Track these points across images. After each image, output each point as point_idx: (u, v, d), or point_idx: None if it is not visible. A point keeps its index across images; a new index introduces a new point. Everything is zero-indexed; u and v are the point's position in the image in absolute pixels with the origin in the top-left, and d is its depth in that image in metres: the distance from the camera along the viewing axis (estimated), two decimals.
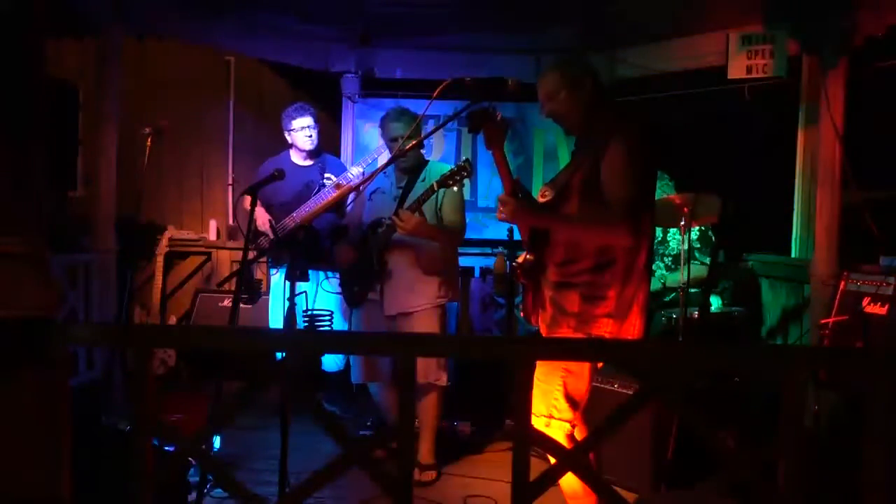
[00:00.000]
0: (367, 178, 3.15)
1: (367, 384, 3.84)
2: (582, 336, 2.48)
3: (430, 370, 3.56)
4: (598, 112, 2.58)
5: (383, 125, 3.68)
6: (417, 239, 3.53)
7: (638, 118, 2.59)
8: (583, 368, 2.49)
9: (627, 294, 2.49)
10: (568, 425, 2.50)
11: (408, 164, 3.66)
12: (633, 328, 2.53)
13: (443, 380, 3.60)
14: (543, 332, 2.64)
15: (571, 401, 2.49)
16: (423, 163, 3.75)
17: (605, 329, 2.48)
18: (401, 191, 3.66)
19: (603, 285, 2.47)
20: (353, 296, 3.72)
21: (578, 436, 2.58)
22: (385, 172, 3.66)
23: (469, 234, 4.01)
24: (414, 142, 3.41)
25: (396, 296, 3.59)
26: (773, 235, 4.74)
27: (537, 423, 2.50)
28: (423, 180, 3.64)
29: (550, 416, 2.49)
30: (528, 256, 2.68)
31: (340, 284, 3.87)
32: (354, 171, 4.04)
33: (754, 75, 4.36)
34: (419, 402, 3.61)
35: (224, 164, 6.11)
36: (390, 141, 3.61)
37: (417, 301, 3.59)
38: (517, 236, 2.82)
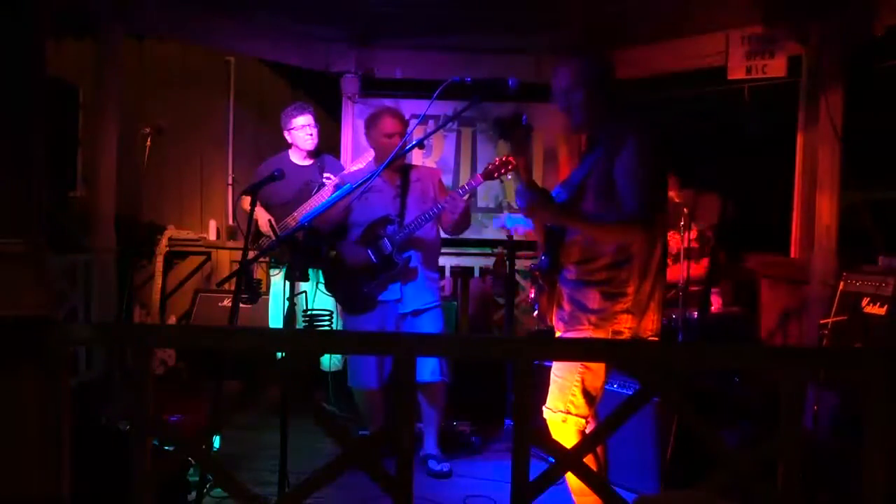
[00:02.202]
0: (368, 179, 3.15)
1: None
2: (602, 332, 2.50)
3: (444, 368, 3.63)
4: (609, 111, 2.58)
5: (375, 121, 3.65)
6: (426, 238, 3.62)
7: (645, 117, 2.60)
8: (600, 365, 2.52)
9: (645, 290, 2.52)
10: (583, 421, 2.53)
11: (401, 164, 3.70)
12: (651, 323, 2.56)
13: (447, 377, 3.67)
14: (560, 329, 2.64)
15: (588, 396, 2.51)
16: (407, 165, 3.79)
17: (624, 325, 2.50)
18: (399, 189, 3.67)
19: (621, 282, 2.49)
20: (363, 299, 3.68)
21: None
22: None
23: (469, 234, 4.02)
24: (414, 141, 3.42)
25: (413, 292, 3.62)
26: (773, 235, 4.74)
27: (554, 418, 2.53)
28: (418, 180, 3.69)
29: (567, 412, 2.51)
30: (542, 258, 2.69)
31: (340, 290, 3.82)
32: (356, 168, 4.04)
33: (754, 75, 4.36)
34: (431, 400, 3.66)
35: (224, 164, 6.11)
36: (386, 137, 3.58)
37: (429, 298, 3.66)
38: (516, 236, 2.82)
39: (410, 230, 3.54)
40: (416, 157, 5.40)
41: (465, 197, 3.52)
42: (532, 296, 2.83)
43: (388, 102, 5.62)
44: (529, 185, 2.62)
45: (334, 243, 3.75)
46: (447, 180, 5.37)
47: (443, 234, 3.79)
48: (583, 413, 2.51)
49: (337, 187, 4.01)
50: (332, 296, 3.94)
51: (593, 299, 2.51)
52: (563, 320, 2.62)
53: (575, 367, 2.50)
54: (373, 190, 3.69)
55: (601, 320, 2.50)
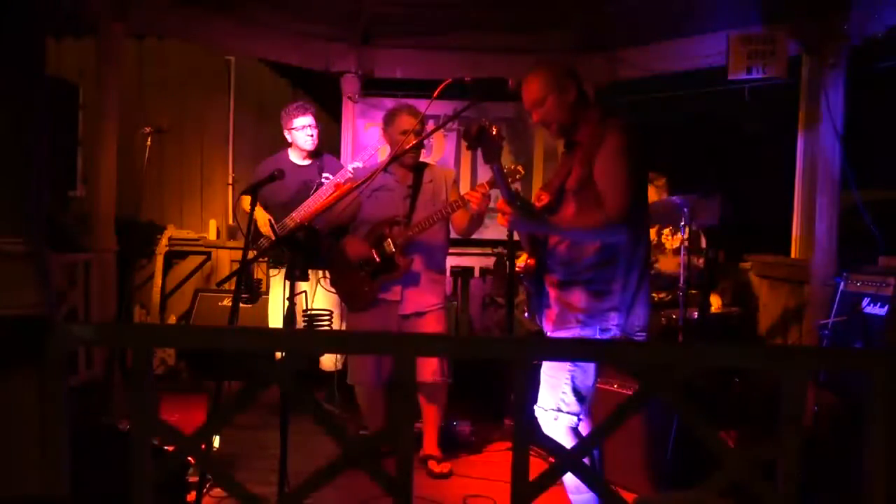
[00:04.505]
0: (371, 176, 3.15)
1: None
2: (590, 330, 2.52)
3: (445, 369, 3.64)
4: (584, 112, 2.61)
5: (393, 118, 3.64)
6: (433, 239, 3.61)
7: (622, 115, 2.61)
8: (589, 364, 2.54)
9: (630, 287, 2.54)
10: (575, 418, 2.55)
11: (414, 162, 3.68)
12: (637, 319, 2.58)
13: (449, 377, 3.67)
14: (549, 330, 2.66)
15: (579, 395, 2.54)
16: (422, 164, 3.77)
17: (611, 322, 2.53)
18: (410, 189, 3.66)
19: (607, 280, 2.52)
20: (363, 297, 3.68)
21: (584, 430, 2.61)
22: (387, 170, 3.67)
23: None
24: (415, 140, 3.42)
25: (414, 294, 3.61)
26: (773, 235, 4.74)
27: (546, 416, 2.55)
28: (431, 181, 3.67)
29: (558, 410, 2.53)
30: (528, 261, 2.70)
31: (342, 287, 3.83)
32: (353, 167, 4.03)
33: (754, 75, 4.36)
34: (432, 401, 3.65)
35: (224, 164, 6.12)
36: (401, 134, 3.57)
37: (431, 301, 3.65)
38: (517, 236, 2.83)
39: (416, 232, 3.53)
40: None
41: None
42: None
43: (388, 102, 5.63)
44: (509, 195, 2.63)
45: (337, 239, 3.75)
46: None
47: (452, 234, 3.78)
48: (574, 411, 2.54)
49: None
50: (336, 292, 3.94)
51: (580, 298, 2.54)
52: (552, 321, 2.64)
53: (564, 365, 2.52)
54: (384, 188, 3.69)
55: (588, 318, 2.53)
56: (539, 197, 2.69)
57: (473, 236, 4.02)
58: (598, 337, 2.52)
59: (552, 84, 2.59)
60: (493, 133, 2.57)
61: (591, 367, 2.55)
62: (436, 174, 3.75)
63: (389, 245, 3.57)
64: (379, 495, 3.04)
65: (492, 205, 5.71)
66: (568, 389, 2.52)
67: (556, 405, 2.53)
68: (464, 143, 5.51)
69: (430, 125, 5.47)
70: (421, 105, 3.74)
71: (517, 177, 3.30)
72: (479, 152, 2.63)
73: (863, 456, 1.49)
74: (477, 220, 3.53)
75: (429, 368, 3.58)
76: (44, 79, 1.61)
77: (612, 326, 2.53)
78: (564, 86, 2.59)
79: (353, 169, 3.98)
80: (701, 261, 4.30)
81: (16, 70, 1.55)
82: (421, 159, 3.82)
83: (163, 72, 5.84)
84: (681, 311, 3.83)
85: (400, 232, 3.56)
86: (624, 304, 2.53)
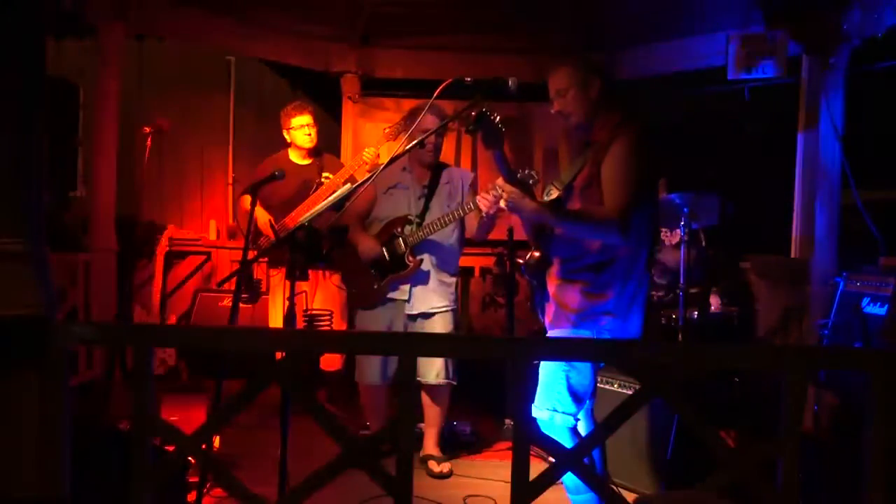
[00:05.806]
0: (372, 175, 3.14)
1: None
2: (582, 332, 2.51)
3: (450, 370, 3.62)
4: (604, 112, 2.60)
5: (416, 115, 3.59)
6: (445, 241, 3.59)
7: (640, 119, 2.60)
8: (586, 364, 2.52)
9: (628, 292, 2.53)
10: (571, 419, 2.53)
11: (432, 161, 3.66)
12: (632, 325, 2.56)
13: (454, 379, 3.66)
14: (547, 326, 2.67)
15: (575, 395, 2.52)
16: (442, 164, 3.75)
17: (604, 326, 2.52)
18: (426, 189, 3.65)
19: (603, 283, 2.51)
20: (371, 295, 3.68)
21: (582, 430, 2.60)
22: (405, 168, 3.66)
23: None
24: (414, 140, 3.41)
25: (423, 295, 3.60)
26: (773, 235, 4.74)
27: (541, 416, 2.54)
28: (448, 182, 3.66)
29: (554, 410, 2.53)
30: (534, 254, 2.71)
31: (353, 284, 3.81)
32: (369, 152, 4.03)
33: (754, 76, 4.36)
34: (435, 402, 3.65)
35: (224, 164, 6.11)
36: (421, 132, 3.50)
37: (440, 302, 3.64)
38: (517, 236, 2.83)
39: (427, 232, 3.52)
40: None
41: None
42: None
43: (388, 102, 5.63)
44: (510, 179, 2.63)
45: (338, 238, 3.74)
46: None
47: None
48: (570, 411, 2.53)
49: None
50: (346, 289, 3.94)
51: (574, 299, 2.53)
52: (550, 318, 2.65)
53: (559, 365, 2.51)
54: (399, 187, 3.67)
55: (580, 319, 2.52)
56: (548, 192, 2.69)
57: None
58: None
59: (577, 77, 2.58)
60: (495, 120, 2.56)
61: (587, 368, 2.53)
62: (454, 175, 3.73)
63: (400, 244, 3.57)
64: (379, 495, 3.04)
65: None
66: (563, 389, 2.51)
67: (552, 405, 2.52)
68: (465, 135, 5.54)
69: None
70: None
71: (530, 181, 3.27)
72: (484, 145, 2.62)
73: (863, 456, 1.49)
74: (488, 224, 3.50)
75: (434, 370, 3.58)
76: (44, 79, 1.61)
77: (604, 330, 2.51)
78: (588, 82, 2.58)
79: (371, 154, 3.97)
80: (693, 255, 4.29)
81: (16, 70, 1.55)
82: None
83: (163, 72, 5.84)
84: (681, 311, 3.83)
85: (412, 231, 3.56)
86: (619, 310, 2.52)
